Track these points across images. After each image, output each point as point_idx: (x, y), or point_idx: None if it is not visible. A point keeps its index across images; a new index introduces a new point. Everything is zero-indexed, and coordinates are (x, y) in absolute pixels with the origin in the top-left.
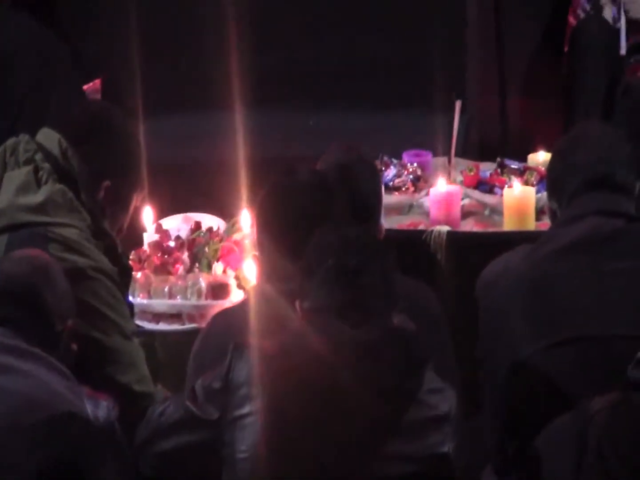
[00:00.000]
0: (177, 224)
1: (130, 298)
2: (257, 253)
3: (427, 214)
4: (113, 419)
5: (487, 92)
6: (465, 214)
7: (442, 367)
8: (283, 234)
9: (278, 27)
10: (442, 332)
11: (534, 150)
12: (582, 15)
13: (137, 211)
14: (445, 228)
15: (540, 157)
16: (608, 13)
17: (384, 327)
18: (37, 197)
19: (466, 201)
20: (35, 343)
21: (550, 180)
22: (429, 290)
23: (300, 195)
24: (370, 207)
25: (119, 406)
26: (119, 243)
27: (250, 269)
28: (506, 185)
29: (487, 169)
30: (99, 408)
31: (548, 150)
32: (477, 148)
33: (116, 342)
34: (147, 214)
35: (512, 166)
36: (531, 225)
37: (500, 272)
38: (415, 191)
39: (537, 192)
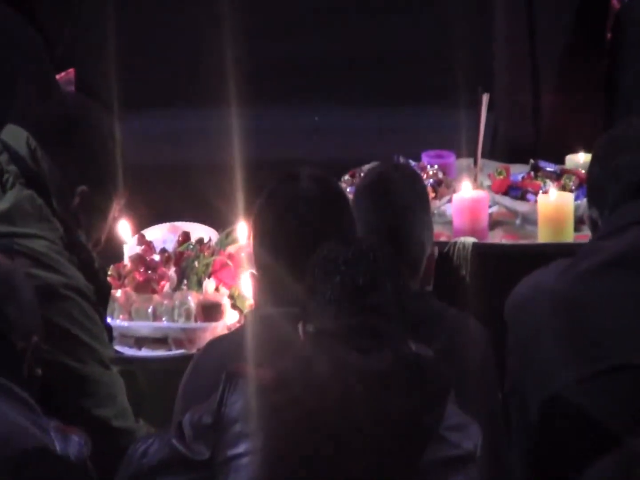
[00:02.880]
0: (163, 235)
1: (109, 320)
2: (254, 270)
3: (449, 223)
4: (85, 457)
5: (518, 84)
6: (494, 223)
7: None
8: (284, 249)
9: (280, 12)
10: (482, 389)
11: (572, 150)
12: None
13: (116, 220)
14: (470, 240)
15: (580, 159)
16: None
17: (397, 354)
18: (2, 205)
19: (494, 209)
20: None
21: (590, 186)
22: (479, 328)
23: (303, 205)
24: (401, 230)
25: (95, 444)
26: (96, 257)
27: (247, 287)
28: (540, 191)
29: (518, 172)
30: (69, 444)
31: (588, 151)
32: (507, 148)
33: (92, 371)
34: (128, 224)
35: (548, 169)
36: (569, 236)
37: (532, 291)
38: (436, 197)
39: (576, 198)
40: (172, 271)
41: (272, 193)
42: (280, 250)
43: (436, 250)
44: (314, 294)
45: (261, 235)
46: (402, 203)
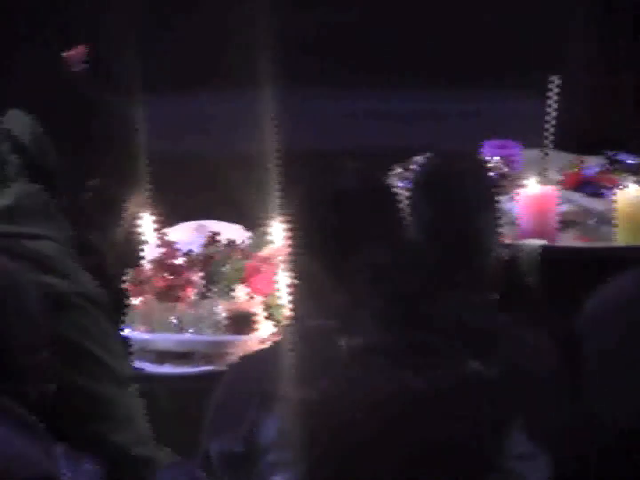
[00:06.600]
0: (188, 235)
1: (127, 332)
2: (291, 275)
3: (514, 223)
4: None
5: (594, 65)
6: (565, 223)
7: None
8: (324, 252)
9: None
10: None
11: None
12: None
13: (134, 219)
14: (538, 242)
15: None
16: None
17: (455, 374)
18: (3, 201)
19: (566, 207)
20: None
21: None
22: (549, 346)
23: (345, 203)
24: (463, 232)
25: (110, 474)
26: (111, 260)
27: (284, 295)
28: (619, 187)
29: (593, 165)
30: (78, 473)
31: None
32: (580, 138)
33: (107, 391)
34: (148, 222)
35: (627, 161)
36: None
37: (611, 303)
38: (499, 194)
39: None
40: (198, 276)
41: (310, 189)
42: (320, 253)
43: (504, 254)
44: (359, 304)
45: (299, 237)
46: (466, 202)
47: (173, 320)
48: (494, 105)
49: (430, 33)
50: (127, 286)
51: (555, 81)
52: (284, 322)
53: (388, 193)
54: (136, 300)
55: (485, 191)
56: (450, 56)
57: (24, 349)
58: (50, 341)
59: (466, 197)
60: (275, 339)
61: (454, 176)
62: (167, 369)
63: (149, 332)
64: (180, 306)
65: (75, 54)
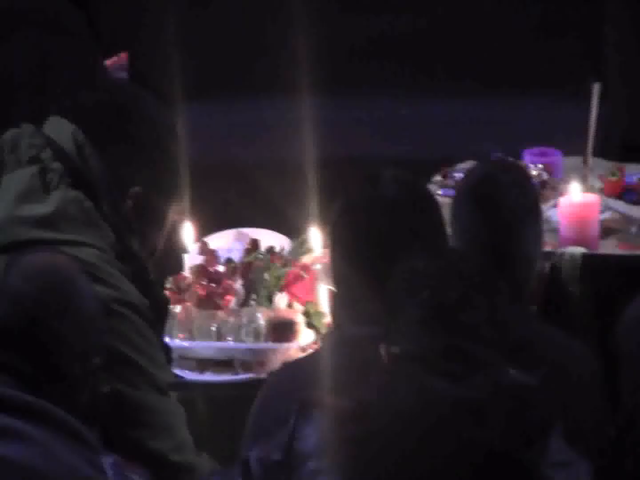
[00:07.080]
0: (228, 243)
1: (167, 340)
2: (331, 283)
3: (555, 231)
4: None
5: (634, 71)
6: (606, 231)
7: None
8: (364, 260)
9: None
10: (590, 424)
11: None
12: None
13: (175, 226)
14: (579, 250)
15: None
16: None
17: (494, 382)
18: (45, 208)
19: (607, 215)
20: (45, 394)
21: None
22: (588, 356)
23: (385, 211)
24: (508, 244)
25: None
26: (151, 268)
27: (324, 303)
28: None
29: (634, 172)
30: None
31: None
32: (621, 145)
33: (147, 398)
34: (189, 230)
35: None
36: None
37: None
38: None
39: None
40: (238, 284)
41: (349, 197)
42: (359, 261)
43: (547, 266)
44: (398, 311)
45: (338, 245)
46: (511, 213)
47: (213, 328)
48: (535, 111)
49: (470, 43)
50: (168, 293)
51: (596, 88)
52: (324, 330)
53: (428, 201)
54: (177, 308)
55: (530, 200)
56: (490, 65)
57: (76, 358)
58: (104, 348)
59: (510, 206)
60: (315, 346)
61: (499, 185)
62: (208, 376)
63: (190, 339)
64: (220, 314)
65: (116, 61)
